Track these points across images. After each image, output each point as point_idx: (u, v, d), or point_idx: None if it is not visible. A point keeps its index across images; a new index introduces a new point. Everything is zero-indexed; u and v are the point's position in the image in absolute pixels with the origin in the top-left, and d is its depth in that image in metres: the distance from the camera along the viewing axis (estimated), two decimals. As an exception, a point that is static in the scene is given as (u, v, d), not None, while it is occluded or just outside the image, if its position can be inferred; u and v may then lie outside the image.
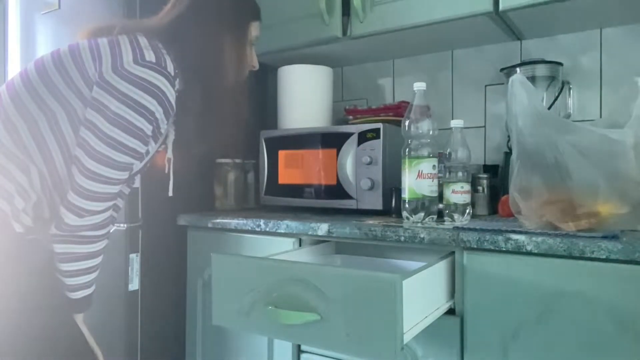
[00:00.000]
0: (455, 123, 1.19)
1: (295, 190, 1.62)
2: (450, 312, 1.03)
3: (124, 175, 0.96)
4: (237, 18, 1.10)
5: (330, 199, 1.49)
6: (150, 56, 0.94)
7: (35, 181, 0.93)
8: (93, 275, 1.00)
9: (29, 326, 0.90)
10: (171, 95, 0.97)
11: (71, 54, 0.95)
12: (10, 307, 0.88)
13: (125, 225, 1.41)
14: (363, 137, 1.40)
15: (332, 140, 1.47)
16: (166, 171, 1.19)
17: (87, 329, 1.02)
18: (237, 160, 1.63)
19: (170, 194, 1.20)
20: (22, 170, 0.92)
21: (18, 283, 0.90)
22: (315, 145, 1.51)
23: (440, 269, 1.00)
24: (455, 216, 1.17)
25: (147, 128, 0.94)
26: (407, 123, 1.18)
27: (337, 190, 1.52)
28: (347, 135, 1.43)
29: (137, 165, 1.02)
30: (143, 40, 0.96)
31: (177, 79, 1.01)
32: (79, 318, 1.01)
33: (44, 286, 0.94)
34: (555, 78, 1.38)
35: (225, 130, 1.10)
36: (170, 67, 0.97)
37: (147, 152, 1.03)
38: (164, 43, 1.00)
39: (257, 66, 1.19)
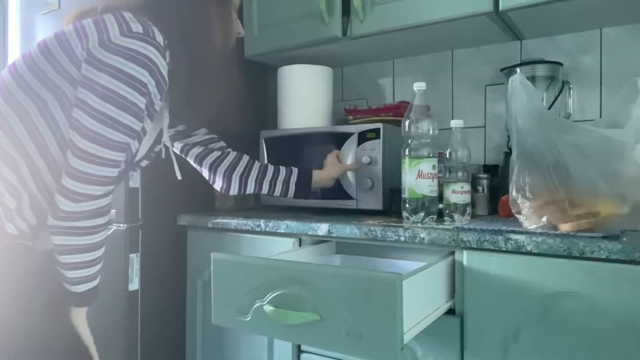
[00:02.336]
0: (455, 123, 1.19)
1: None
2: (450, 312, 1.03)
3: (121, 156, 0.91)
4: None
5: (330, 199, 1.49)
6: (137, 27, 0.90)
7: (27, 178, 0.90)
8: (95, 268, 0.95)
9: (23, 329, 0.89)
10: (162, 66, 0.93)
11: (57, 39, 0.92)
12: (3, 310, 0.88)
13: (125, 225, 1.41)
14: (363, 137, 1.40)
15: (332, 140, 1.47)
16: (163, 156, 1.17)
17: (89, 328, 0.99)
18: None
19: (179, 177, 1.18)
20: (11, 167, 0.89)
21: (10, 286, 0.88)
22: (315, 145, 1.51)
23: (440, 269, 1.00)
24: (455, 216, 1.17)
25: (140, 101, 0.90)
26: (407, 123, 1.18)
27: (337, 190, 1.52)
28: (347, 135, 1.43)
29: (135, 145, 0.98)
30: (128, 15, 0.92)
31: (167, 51, 0.97)
32: (82, 314, 0.96)
33: (37, 289, 0.92)
34: (555, 78, 1.38)
35: (217, 99, 1.07)
36: (160, 38, 0.93)
37: (144, 131, 0.99)
38: (150, 15, 0.96)
39: (242, 32, 1.16)
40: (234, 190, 1.31)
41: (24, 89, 0.90)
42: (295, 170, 1.35)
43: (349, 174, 1.43)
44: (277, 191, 1.33)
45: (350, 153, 1.42)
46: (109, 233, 1.43)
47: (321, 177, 1.37)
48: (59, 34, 0.94)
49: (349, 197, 1.42)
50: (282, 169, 1.34)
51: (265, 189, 1.32)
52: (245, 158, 1.33)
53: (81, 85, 0.88)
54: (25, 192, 0.90)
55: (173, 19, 0.98)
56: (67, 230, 0.89)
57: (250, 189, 1.31)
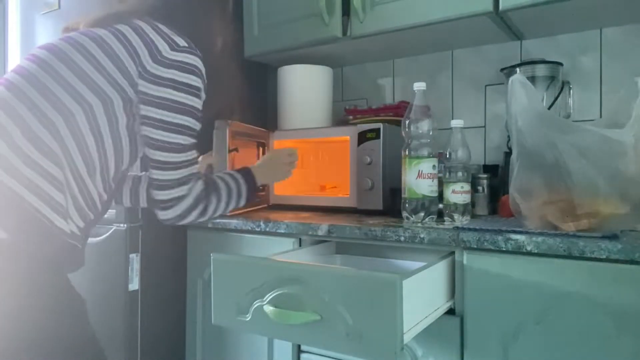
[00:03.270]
0: (455, 123, 1.19)
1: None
2: (450, 312, 1.03)
3: (193, 154, 1.02)
4: None
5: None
6: (181, 41, 0.99)
7: (69, 178, 0.92)
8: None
9: (39, 326, 0.88)
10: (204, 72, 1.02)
11: (96, 43, 0.95)
12: (22, 304, 0.87)
13: (125, 225, 1.41)
14: (363, 137, 1.40)
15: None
16: None
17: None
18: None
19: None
20: (57, 165, 0.90)
21: (27, 280, 0.88)
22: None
23: (440, 269, 1.00)
24: (455, 216, 1.17)
25: (199, 104, 1.00)
26: (407, 123, 1.18)
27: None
28: (346, 136, 1.44)
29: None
30: (165, 28, 0.99)
31: None
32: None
33: (55, 285, 0.92)
34: (555, 78, 1.38)
35: (218, 99, 1.12)
36: (194, 46, 1.01)
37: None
38: (163, 21, 1.01)
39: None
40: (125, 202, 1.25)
41: (68, 90, 0.92)
42: (146, 175, 1.22)
43: (350, 173, 1.43)
44: (130, 200, 1.24)
45: (350, 153, 1.42)
46: (109, 233, 1.44)
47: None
48: (94, 37, 0.96)
49: (349, 197, 1.43)
50: (137, 177, 1.25)
51: (127, 200, 1.24)
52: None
53: (143, 102, 0.96)
54: (68, 192, 0.92)
55: (183, 24, 1.03)
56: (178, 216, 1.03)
57: (125, 200, 1.24)
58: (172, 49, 0.96)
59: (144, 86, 0.95)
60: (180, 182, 1.00)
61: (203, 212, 1.06)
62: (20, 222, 0.87)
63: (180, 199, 1.01)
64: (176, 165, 0.99)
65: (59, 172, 0.90)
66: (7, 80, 0.94)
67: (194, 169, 1.02)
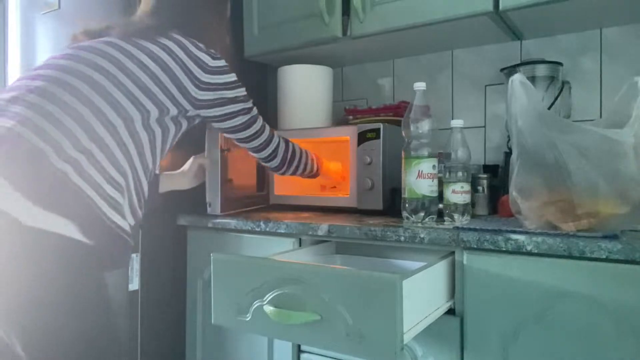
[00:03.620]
0: (455, 123, 1.19)
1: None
2: (450, 312, 1.03)
3: (261, 120, 1.25)
4: None
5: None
6: (213, 51, 1.13)
7: (129, 179, 0.98)
8: None
9: (70, 326, 0.89)
10: None
11: (148, 55, 1.03)
12: (55, 300, 0.88)
13: (125, 225, 1.41)
14: (363, 137, 1.40)
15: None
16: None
17: None
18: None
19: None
20: (116, 168, 0.95)
21: (61, 283, 0.89)
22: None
23: (440, 269, 1.00)
24: (455, 216, 1.17)
25: (243, 90, 1.19)
26: (407, 123, 1.18)
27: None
28: (346, 136, 1.44)
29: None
30: (194, 41, 1.11)
31: None
32: None
33: (88, 286, 0.93)
34: (555, 78, 1.38)
35: None
36: None
37: None
38: (177, 31, 1.11)
39: (227, 41, 1.35)
40: None
41: (129, 97, 0.98)
42: None
43: (350, 173, 1.43)
44: None
45: (350, 153, 1.42)
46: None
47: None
48: (145, 50, 1.03)
49: (349, 197, 1.43)
50: None
51: None
52: None
53: (207, 107, 1.12)
54: (127, 193, 0.97)
55: (191, 29, 1.14)
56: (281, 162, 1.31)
57: None
58: (213, 58, 1.11)
59: (204, 94, 1.10)
60: (268, 140, 1.26)
61: (292, 158, 1.32)
62: (93, 225, 0.90)
63: (273, 152, 1.28)
64: (259, 131, 1.23)
65: (119, 175, 0.96)
66: (56, 78, 0.96)
67: (268, 128, 1.26)
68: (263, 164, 1.31)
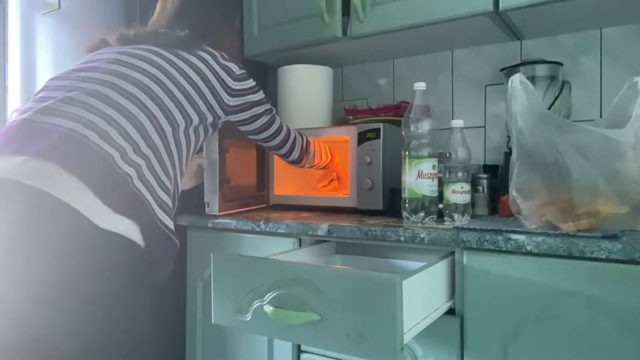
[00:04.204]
0: (455, 123, 1.19)
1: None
2: (450, 312, 1.03)
3: (279, 120, 1.31)
4: None
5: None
6: (235, 61, 1.18)
7: (172, 183, 1.02)
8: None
9: (117, 334, 0.89)
10: None
11: (190, 67, 1.08)
12: (113, 299, 0.88)
13: (125, 225, 1.41)
14: (363, 137, 1.40)
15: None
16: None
17: None
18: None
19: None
20: (166, 171, 0.99)
21: (120, 289, 0.89)
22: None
23: (440, 269, 1.00)
24: (455, 216, 1.17)
25: (262, 93, 1.25)
26: (407, 123, 1.18)
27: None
28: (346, 136, 1.44)
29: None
30: (221, 52, 1.17)
31: None
32: None
33: (140, 297, 0.94)
34: (555, 78, 1.38)
35: None
36: None
37: None
38: (198, 42, 1.16)
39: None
40: None
41: (177, 105, 1.03)
42: None
43: (350, 173, 1.43)
44: None
45: (350, 153, 1.42)
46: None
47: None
48: (187, 60, 1.08)
49: (349, 197, 1.43)
50: None
51: None
52: None
53: (235, 112, 1.19)
54: (170, 195, 1.01)
55: (197, 31, 1.18)
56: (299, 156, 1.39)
57: None
58: (238, 67, 1.17)
59: (234, 101, 1.16)
60: (286, 137, 1.33)
61: (308, 147, 1.39)
62: (149, 230, 0.92)
63: (292, 145, 1.35)
64: (279, 129, 1.30)
65: (169, 182, 0.99)
66: (109, 82, 0.97)
67: (285, 124, 1.33)
68: (285, 160, 1.38)
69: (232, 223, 1.36)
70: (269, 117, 1.26)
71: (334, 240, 1.25)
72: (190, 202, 1.51)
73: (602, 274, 0.88)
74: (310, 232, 1.21)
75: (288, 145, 1.34)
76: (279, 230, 1.27)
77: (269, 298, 0.88)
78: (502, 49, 1.57)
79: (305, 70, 1.69)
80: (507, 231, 0.99)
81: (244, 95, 1.18)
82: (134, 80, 0.98)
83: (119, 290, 0.88)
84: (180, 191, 1.08)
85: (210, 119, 1.12)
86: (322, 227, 1.19)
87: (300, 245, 1.26)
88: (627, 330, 0.86)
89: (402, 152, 1.20)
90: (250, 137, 1.29)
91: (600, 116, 1.43)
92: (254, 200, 1.59)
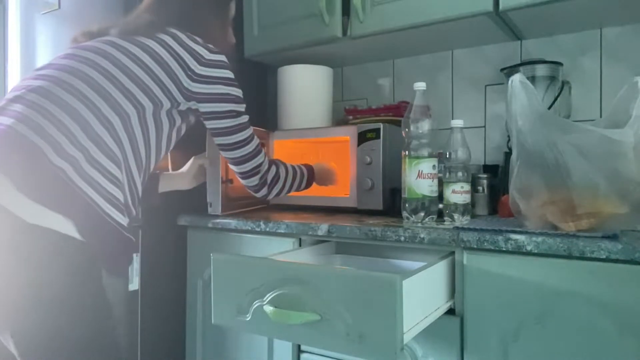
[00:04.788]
0: (455, 123, 1.19)
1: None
2: (450, 312, 1.03)
3: (251, 130, 1.19)
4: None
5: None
6: (211, 45, 1.11)
7: (123, 176, 0.98)
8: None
9: (65, 330, 0.88)
10: None
11: (146, 52, 1.03)
12: (54, 299, 0.87)
13: (125, 225, 1.41)
14: (363, 137, 1.40)
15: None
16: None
17: None
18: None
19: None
20: (115, 163, 0.95)
21: (59, 282, 0.88)
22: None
23: (440, 269, 1.00)
24: (455, 216, 1.17)
25: (240, 91, 1.16)
26: (407, 123, 1.18)
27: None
28: (346, 136, 1.44)
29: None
30: (191, 35, 1.10)
31: None
32: None
33: (86, 285, 0.92)
34: (555, 78, 1.38)
35: None
36: None
37: None
38: (183, 29, 1.11)
39: (234, 41, 1.31)
40: None
41: (124, 93, 0.99)
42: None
43: (350, 173, 1.43)
44: None
45: (350, 153, 1.42)
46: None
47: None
48: (142, 45, 1.04)
49: (349, 197, 1.43)
50: None
51: None
52: None
53: (200, 101, 1.09)
54: (125, 188, 0.98)
55: (193, 28, 1.13)
56: (269, 189, 1.24)
57: None
58: (210, 51, 1.09)
59: (197, 87, 1.07)
60: (255, 153, 1.19)
61: (277, 180, 1.25)
62: (91, 223, 0.90)
63: (259, 166, 1.20)
64: (246, 141, 1.17)
65: (118, 171, 0.96)
66: (55, 77, 0.96)
67: (257, 140, 1.20)
68: (241, 180, 1.22)
69: (232, 223, 1.36)
70: (234, 122, 1.14)
71: (334, 240, 1.25)
72: (190, 202, 1.52)
73: (602, 274, 0.88)
74: (310, 232, 1.21)
75: (248, 166, 1.18)
76: (279, 230, 1.27)
77: (269, 298, 0.88)
78: (502, 49, 1.57)
79: (305, 70, 1.69)
80: (507, 231, 0.99)
81: (211, 83, 1.08)
82: (78, 72, 0.97)
83: (59, 284, 0.87)
84: (139, 188, 1.05)
85: (167, 104, 1.05)
86: (322, 227, 1.19)
87: (300, 245, 1.26)
88: (627, 330, 0.86)
89: (402, 152, 1.20)
90: (214, 139, 1.17)
91: (600, 116, 1.43)
92: (255, 200, 1.59)
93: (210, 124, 1.14)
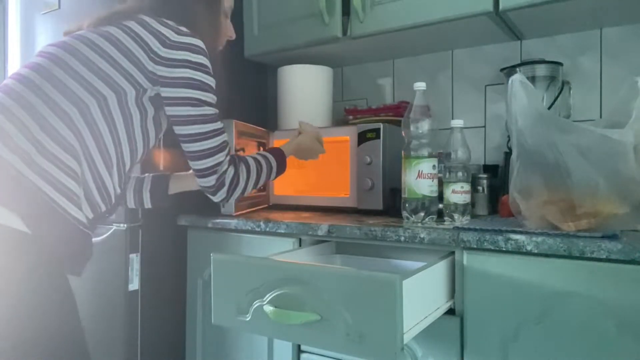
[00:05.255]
0: (455, 123, 1.19)
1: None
2: (450, 312, 1.03)
3: (219, 124, 1.07)
4: None
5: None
6: (183, 28, 1.04)
7: (85, 170, 0.95)
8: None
9: (31, 327, 0.88)
10: None
11: (107, 40, 0.99)
12: (15, 305, 0.86)
13: (125, 225, 1.41)
14: (363, 137, 1.40)
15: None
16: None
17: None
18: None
19: None
20: (73, 156, 0.93)
21: (23, 281, 0.87)
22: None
23: (440, 269, 1.00)
24: (455, 216, 1.17)
25: (212, 81, 1.06)
26: (407, 123, 1.18)
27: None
28: (346, 136, 1.44)
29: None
30: (161, 19, 1.04)
31: None
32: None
33: (49, 287, 0.91)
34: (555, 78, 1.38)
35: (226, 92, 1.15)
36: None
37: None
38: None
39: (234, 36, 1.24)
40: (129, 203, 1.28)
41: (81, 83, 0.96)
42: (150, 176, 1.29)
43: (350, 173, 1.43)
44: (134, 201, 1.28)
45: (350, 153, 1.42)
46: (109, 233, 1.44)
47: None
48: (103, 34, 1.00)
49: (349, 197, 1.43)
50: (140, 178, 1.28)
51: (131, 201, 1.28)
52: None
53: (163, 85, 1.01)
54: (82, 182, 0.95)
55: (183, 23, 1.07)
56: (228, 192, 1.09)
57: (130, 202, 1.28)
58: (178, 33, 1.02)
59: (161, 70, 1.00)
60: (215, 150, 1.06)
61: (238, 181, 1.10)
62: (40, 216, 0.88)
63: (217, 165, 1.06)
64: (206, 135, 1.04)
65: (75, 163, 0.93)
66: (20, 75, 0.97)
67: (223, 137, 1.07)
68: (197, 180, 1.09)
69: (232, 223, 1.36)
70: (195, 110, 1.03)
71: (334, 240, 1.25)
72: (190, 202, 1.52)
73: (602, 274, 0.88)
74: (310, 232, 1.21)
75: (206, 163, 1.05)
76: (279, 230, 1.27)
77: (269, 298, 0.88)
78: (502, 49, 1.57)
79: (305, 70, 1.69)
80: (507, 231, 0.99)
81: (175, 66, 1.00)
82: (41, 68, 0.97)
83: (11, 279, 0.85)
84: (108, 182, 1.00)
85: (132, 92, 0.98)
86: (322, 227, 1.19)
87: (300, 245, 1.26)
88: (627, 330, 0.86)
89: (402, 152, 1.20)
90: (174, 127, 1.05)
91: (600, 116, 1.43)
92: (257, 200, 1.59)
93: (169, 111, 1.03)
